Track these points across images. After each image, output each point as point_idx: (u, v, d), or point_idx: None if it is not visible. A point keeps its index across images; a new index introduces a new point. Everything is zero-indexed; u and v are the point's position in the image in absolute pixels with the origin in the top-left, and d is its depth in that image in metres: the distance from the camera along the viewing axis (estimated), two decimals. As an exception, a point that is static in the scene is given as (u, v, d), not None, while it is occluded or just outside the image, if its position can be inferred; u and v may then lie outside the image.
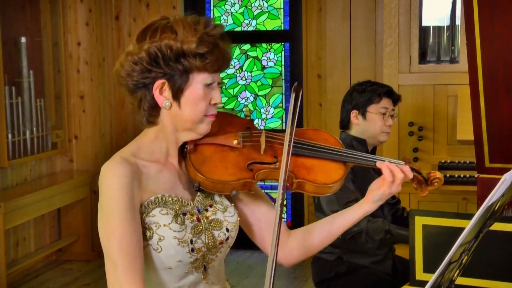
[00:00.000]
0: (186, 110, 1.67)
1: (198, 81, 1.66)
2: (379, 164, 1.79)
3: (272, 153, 1.76)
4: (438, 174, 1.86)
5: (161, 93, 1.66)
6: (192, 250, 1.67)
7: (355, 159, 1.81)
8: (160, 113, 1.70)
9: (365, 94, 3.15)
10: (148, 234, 1.64)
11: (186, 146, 1.74)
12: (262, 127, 5.78)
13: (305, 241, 1.85)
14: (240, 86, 5.83)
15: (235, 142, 1.76)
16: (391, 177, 1.76)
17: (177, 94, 1.66)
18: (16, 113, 5.06)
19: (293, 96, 1.69)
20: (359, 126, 3.16)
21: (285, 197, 1.65)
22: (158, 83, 1.65)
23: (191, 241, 1.66)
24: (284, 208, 5.67)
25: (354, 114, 3.16)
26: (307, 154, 1.78)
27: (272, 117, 5.82)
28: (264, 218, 1.84)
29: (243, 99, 5.85)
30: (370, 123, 3.15)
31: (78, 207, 5.57)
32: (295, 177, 1.74)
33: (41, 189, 5.05)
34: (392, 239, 2.98)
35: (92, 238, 5.55)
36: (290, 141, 1.66)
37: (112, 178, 1.62)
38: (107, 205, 1.61)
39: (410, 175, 1.79)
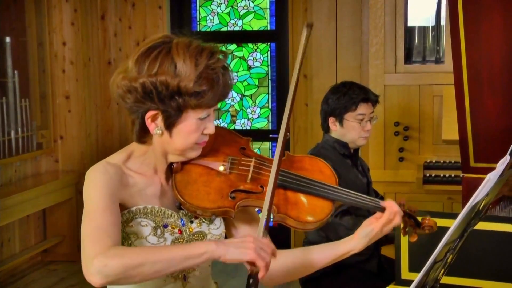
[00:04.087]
0: (178, 140, 1.65)
1: (192, 117, 1.63)
2: (385, 204, 1.73)
3: (259, 182, 1.71)
4: (432, 222, 1.77)
5: (154, 121, 1.64)
6: None
7: (345, 198, 1.74)
8: (151, 135, 1.68)
9: (340, 101, 3.09)
10: (126, 244, 1.64)
11: (173, 164, 1.72)
12: (248, 127, 5.79)
13: (289, 265, 1.81)
14: (226, 86, 5.82)
15: (221, 168, 1.72)
16: (388, 220, 1.72)
17: (169, 126, 1.64)
18: (0, 113, 5.03)
19: (304, 34, 1.66)
20: (336, 132, 3.14)
21: (267, 230, 1.60)
22: (151, 113, 1.63)
23: None
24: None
25: (331, 120, 3.13)
26: (294, 187, 1.72)
27: (258, 117, 5.82)
28: (245, 232, 1.80)
29: (229, 99, 5.84)
30: (348, 130, 3.11)
31: (63, 207, 5.54)
32: (277, 211, 1.69)
33: (26, 189, 5.01)
34: (387, 241, 2.99)
35: (78, 239, 5.48)
36: (277, 173, 1.63)
37: (94, 175, 1.62)
38: (87, 195, 1.59)
39: (398, 220, 1.75)
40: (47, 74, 5.53)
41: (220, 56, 1.65)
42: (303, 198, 1.72)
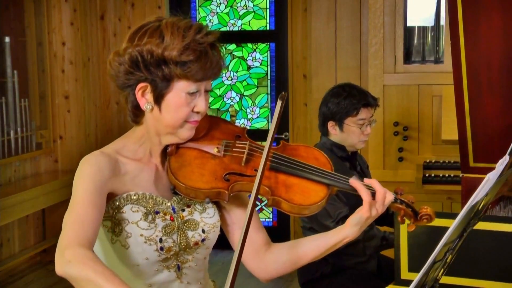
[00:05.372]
0: (166, 115, 1.66)
1: (180, 89, 1.65)
2: (352, 182, 1.70)
3: (253, 166, 1.72)
4: (430, 211, 1.74)
5: (143, 95, 1.67)
6: (161, 248, 1.66)
7: (339, 183, 1.73)
8: (144, 113, 1.70)
9: (341, 106, 3.06)
10: (117, 230, 1.66)
11: (168, 147, 1.73)
12: (248, 127, 5.78)
13: (283, 257, 1.82)
14: (225, 86, 5.83)
15: (215, 150, 1.73)
16: (369, 197, 1.68)
17: (158, 99, 1.66)
18: (0, 113, 5.03)
19: (279, 103, 1.65)
20: (336, 136, 3.12)
21: (254, 209, 1.58)
22: (141, 85, 1.66)
23: (160, 240, 1.66)
24: (270, 208, 5.66)
25: (331, 124, 3.11)
26: (289, 171, 1.72)
27: (257, 117, 5.82)
28: (239, 223, 1.81)
29: (228, 99, 5.84)
30: (348, 134, 3.09)
31: (62, 207, 5.52)
32: (271, 193, 1.69)
33: (26, 189, 5.01)
34: (387, 245, 2.99)
35: (77, 239, 5.51)
36: (267, 154, 1.63)
37: (84, 165, 1.65)
38: (74, 188, 1.63)
39: (390, 197, 1.71)
40: (47, 74, 5.53)
41: (209, 34, 1.66)
42: (297, 181, 1.72)
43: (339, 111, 3.08)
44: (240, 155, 1.73)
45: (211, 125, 1.78)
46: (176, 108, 1.66)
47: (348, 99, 3.07)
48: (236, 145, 1.75)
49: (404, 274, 2.46)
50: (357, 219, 1.71)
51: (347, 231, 1.74)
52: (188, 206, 1.74)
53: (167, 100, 1.65)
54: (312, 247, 1.79)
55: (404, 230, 2.44)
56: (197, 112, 1.69)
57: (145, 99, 1.66)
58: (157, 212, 1.69)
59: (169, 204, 1.72)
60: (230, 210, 1.82)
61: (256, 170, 1.69)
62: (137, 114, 1.71)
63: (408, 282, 1.75)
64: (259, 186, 1.60)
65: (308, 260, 1.82)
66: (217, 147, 1.74)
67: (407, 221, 1.78)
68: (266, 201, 1.72)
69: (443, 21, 4.79)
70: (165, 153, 1.75)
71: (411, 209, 1.75)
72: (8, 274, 5.16)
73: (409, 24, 4.87)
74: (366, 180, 1.73)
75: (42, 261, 5.57)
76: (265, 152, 1.63)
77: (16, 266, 5.28)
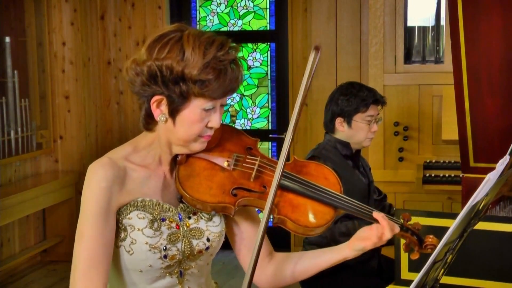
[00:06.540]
0: (180, 129, 1.65)
1: (196, 105, 1.63)
2: (375, 215, 1.70)
3: (262, 182, 1.70)
4: (435, 241, 1.72)
5: (158, 106, 1.64)
6: (165, 256, 1.66)
7: (348, 207, 1.71)
8: (157, 122, 1.68)
9: (351, 102, 3.10)
10: (122, 235, 1.65)
11: (178, 155, 1.72)
12: (248, 127, 5.79)
13: (284, 271, 1.83)
14: (226, 86, 5.82)
15: (225, 164, 1.71)
16: (380, 235, 1.69)
17: (173, 113, 1.64)
18: (0, 113, 5.03)
19: (312, 54, 1.64)
20: (343, 132, 3.14)
21: (266, 227, 1.60)
22: (156, 98, 1.64)
23: (165, 248, 1.65)
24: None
25: (339, 121, 3.13)
26: (298, 191, 1.71)
27: (258, 117, 5.82)
28: (246, 233, 1.82)
29: (228, 99, 5.83)
30: (356, 131, 3.12)
31: (63, 207, 5.54)
32: (278, 212, 1.68)
33: (26, 189, 5.02)
34: (386, 243, 3.00)
35: (77, 239, 5.51)
36: (280, 173, 1.62)
37: (92, 180, 1.62)
38: (83, 206, 1.63)
39: (397, 230, 1.71)
40: (47, 74, 5.53)
41: (231, 51, 1.65)
42: (305, 202, 1.71)
43: (349, 108, 3.11)
44: (250, 171, 1.71)
45: (223, 136, 1.76)
46: (190, 123, 1.64)
47: (358, 96, 3.12)
48: (247, 159, 1.73)
49: (405, 274, 2.46)
50: (360, 247, 1.73)
51: (348, 253, 1.75)
52: (195, 214, 1.73)
53: (182, 115, 1.64)
54: (313, 264, 1.81)
55: (404, 230, 2.44)
56: (211, 128, 1.67)
57: (159, 111, 1.65)
58: (163, 220, 1.68)
59: (175, 211, 1.71)
60: (237, 220, 1.81)
61: (265, 187, 1.69)
62: (150, 122, 1.69)
63: (409, 282, 1.75)
64: (271, 208, 1.59)
65: (307, 275, 1.84)
66: (227, 161, 1.72)
67: (410, 248, 1.76)
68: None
69: (443, 21, 4.79)
70: (175, 161, 1.73)
71: (416, 237, 1.75)
72: (8, 274, 5.16)
73: (409, 24, 4.87)
74: (375, 213, 1.72)
75: (42, 261, 5.57)
76: (277, 172, 1.62)
77: (16, 266, 5.28)
